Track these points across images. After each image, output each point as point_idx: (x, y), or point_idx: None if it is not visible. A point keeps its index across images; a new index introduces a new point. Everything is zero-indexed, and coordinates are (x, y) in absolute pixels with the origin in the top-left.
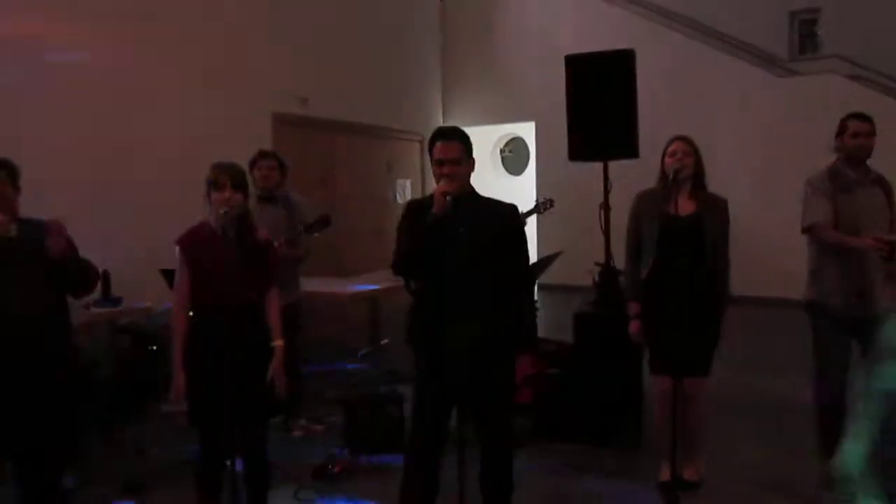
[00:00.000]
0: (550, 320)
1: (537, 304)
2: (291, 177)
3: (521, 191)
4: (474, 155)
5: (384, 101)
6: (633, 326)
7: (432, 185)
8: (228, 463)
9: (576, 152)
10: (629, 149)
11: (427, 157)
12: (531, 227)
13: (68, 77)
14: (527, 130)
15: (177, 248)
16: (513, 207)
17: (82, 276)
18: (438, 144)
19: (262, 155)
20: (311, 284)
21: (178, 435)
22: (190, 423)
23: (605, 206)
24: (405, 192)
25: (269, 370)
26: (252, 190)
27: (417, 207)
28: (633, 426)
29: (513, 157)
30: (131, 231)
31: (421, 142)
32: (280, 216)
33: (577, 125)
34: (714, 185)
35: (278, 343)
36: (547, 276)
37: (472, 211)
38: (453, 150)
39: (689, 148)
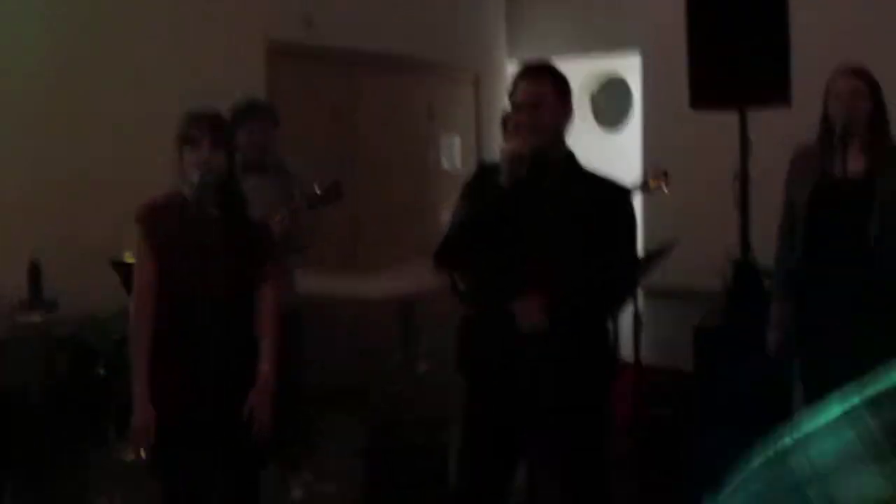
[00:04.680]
0: (660, 339)
1: (641, 317)
2: (289, 131)
3: (619, 153)
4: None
5: (423, 23)
6: (770, 338)
7: (490, 144)
8: None
9: (700, 97)
10: (778, 92)
11: (485, 105)
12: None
13: None
14: (629, 66)
15: (136, 228)
16: (623, 190)
17: None
18: (521, 85)
19: (252, 110)
20: (314, 282)
21: (136, 490)
22: (148, 473)
23: (743, 176)
24: (453, 152)
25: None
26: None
27: (489, 174)
28: None
29: (608, 104)
30: (72, 208)
31: (476, 82)
32: (275, 190)
33: (701, 58)
34: None
35: (265, 368)
36: (656, 278)
37: (562, 185)
38: (538, 89)
39: (864, 86)
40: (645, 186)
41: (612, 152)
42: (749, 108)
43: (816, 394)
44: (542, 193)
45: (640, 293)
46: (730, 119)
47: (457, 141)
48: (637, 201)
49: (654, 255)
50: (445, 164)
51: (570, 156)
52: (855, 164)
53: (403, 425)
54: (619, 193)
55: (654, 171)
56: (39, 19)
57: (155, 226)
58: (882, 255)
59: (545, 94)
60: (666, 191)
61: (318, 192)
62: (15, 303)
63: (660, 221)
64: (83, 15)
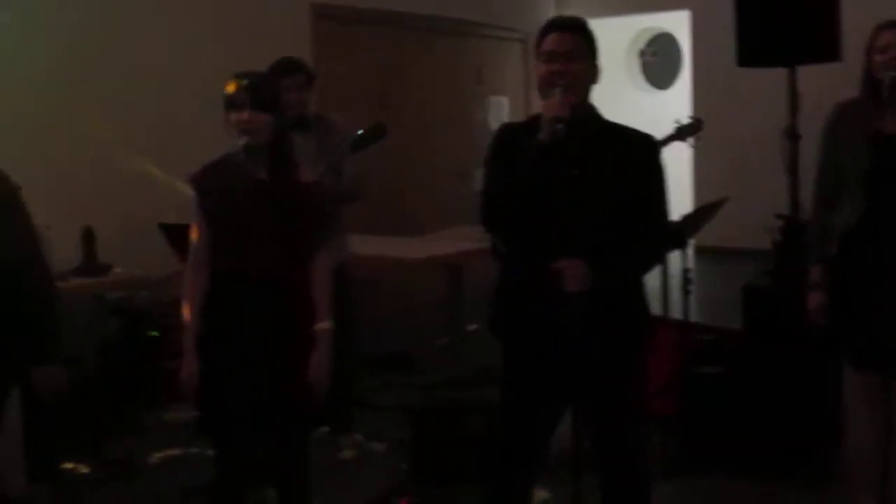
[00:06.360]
0: (708, 298)
1: (690, 276)
2: (338, 95)
3: (669, 111)
4: (600, 60)
5: None
6: (812, 301)
7: (538, 105)
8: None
9: (749, 54)
10: (827, 48)
11: (533, 66)
12: (682, 164)
13: None
14: (678, 24)
15: (191, 190)
16: (649, 139)
17: None
18: (550, 36)
19: (286, 68)
20: (362, 244)
21: (188, 451)
22: (199, 433)
23: (792, 133)
24: (502, 113)
25: (308, 364)
26: None
27: (514, 134)
28: (827, 448)
29: (658, 62)
30: (123, 174)
31: (523, 42)
32: (320, 145)
33: (750, 15)
34: None
35: (323, 326)
36: (705, 236)
37: (590, 142)
38: (569, 42)
39: None
40: (679, 136)
41: (660, 109)
42: (798, 63)
43: (866, 360)
44: (580, 150)
45: (689, 250)
46: (778, 75)
47: (505, 101)
48: (683, 156)
49: (703, 213)
50: (494, 125)
51: (595, 110)
52: None
53: (451, 384)
54: (647, 145)
55: (691, 119)
56: None
57: (206, 188)
58: None
59: (578, 47)
60: (693, 142)
61: (361, 133)
62: (67, 268)
63: (709, 179)
64: None
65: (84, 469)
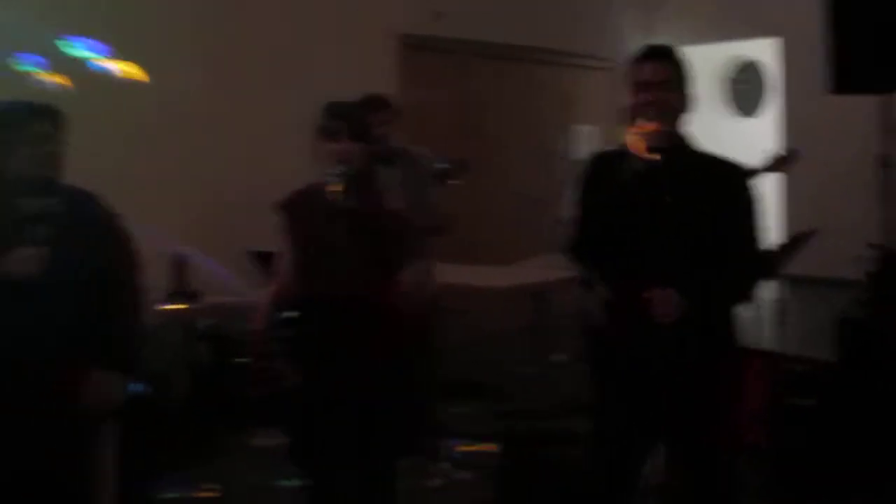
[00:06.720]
0: (798, 327)
1: (781, 305)
2: (425, 124)
3: (757, 138)
4: (693, 88)
5: (555, 12)
6: None
7: (624, 134)
8: None
9: (842, 81)
10: None
11: (620, 94)
12: (771, 193)
13: None
14: (766, 52)
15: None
16: (739, 170)
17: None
18: (643, 66)
19: (372, 104)
20: (447, 273)
21: (275, 477)
22: (290, 462)
23: (886, 161)
24: (587, 143)
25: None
26: None
27: (606, 162)
28: None
29: (746, 89)
30: (213, 201)
31: (610, 70)
32: (405, 178)
33: (843, 42)
34: None
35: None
36: (796, 266)
37: (683, 170)
38: (664, 73)
39: None
40: (773, 167)
41: (749, 137)
42: (892, 90)
43: None
44: (672, 178)
45: (781, 281)
46: (871, 101)
47: (591, 131)
48: (772, 186)
49: (794, 243)
50: (580, 155)
51: (688, 139)
52: None
53: (538, 413)
54: (740, 175)
55: (786, 150)
56: (179, 26)
57: (294, 216)
58: None
59: (671, 76)
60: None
61: (445, 168)
62: (160, 294)
63: (799, 207)
64: (222, 19)
65: (173, 493)
